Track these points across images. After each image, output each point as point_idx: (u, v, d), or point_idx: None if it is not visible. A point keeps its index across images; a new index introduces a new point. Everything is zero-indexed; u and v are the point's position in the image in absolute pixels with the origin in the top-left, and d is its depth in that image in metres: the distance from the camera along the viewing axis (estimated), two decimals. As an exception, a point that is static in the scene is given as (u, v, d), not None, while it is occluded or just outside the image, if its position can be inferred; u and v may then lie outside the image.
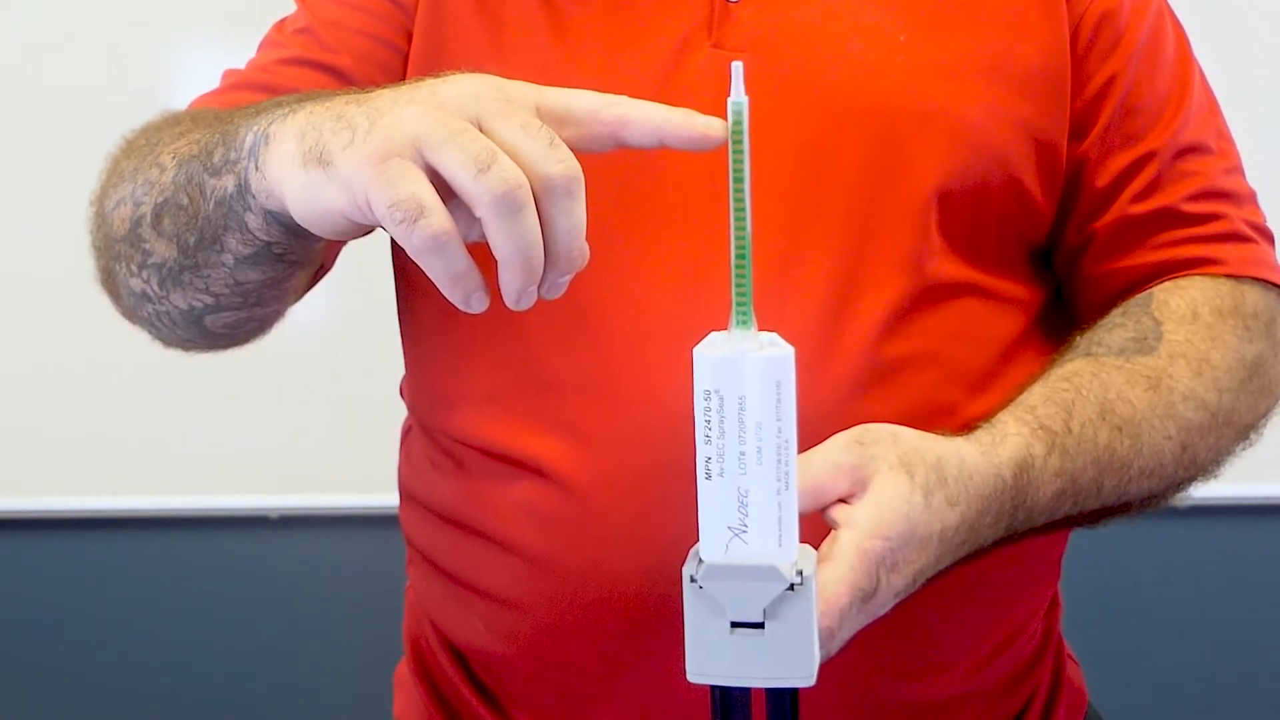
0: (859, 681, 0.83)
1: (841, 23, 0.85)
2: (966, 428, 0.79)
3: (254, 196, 0.69)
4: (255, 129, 0.69)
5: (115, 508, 1.89)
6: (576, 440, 0.83)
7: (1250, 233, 0.91)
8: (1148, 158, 0.89)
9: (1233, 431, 0.86)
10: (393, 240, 0.93)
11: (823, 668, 0.81)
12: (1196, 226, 0.89)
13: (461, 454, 0.89)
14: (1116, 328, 0.86)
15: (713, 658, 0.63)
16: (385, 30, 0.90)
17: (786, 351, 0.61)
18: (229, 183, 0.71)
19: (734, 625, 0.62)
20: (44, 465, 1.88)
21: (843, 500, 0.70)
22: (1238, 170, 0.93)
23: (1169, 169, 0.89)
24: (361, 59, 0.89)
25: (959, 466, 0.73)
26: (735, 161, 0.61)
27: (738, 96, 0.61)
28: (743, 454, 0.61)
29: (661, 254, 0.84)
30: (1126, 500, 0.82)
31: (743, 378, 0.60)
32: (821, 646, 0.65)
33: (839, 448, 0.71)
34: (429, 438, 0.93)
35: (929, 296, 0.85)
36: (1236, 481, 0.89)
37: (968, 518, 0.72)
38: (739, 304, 0.61)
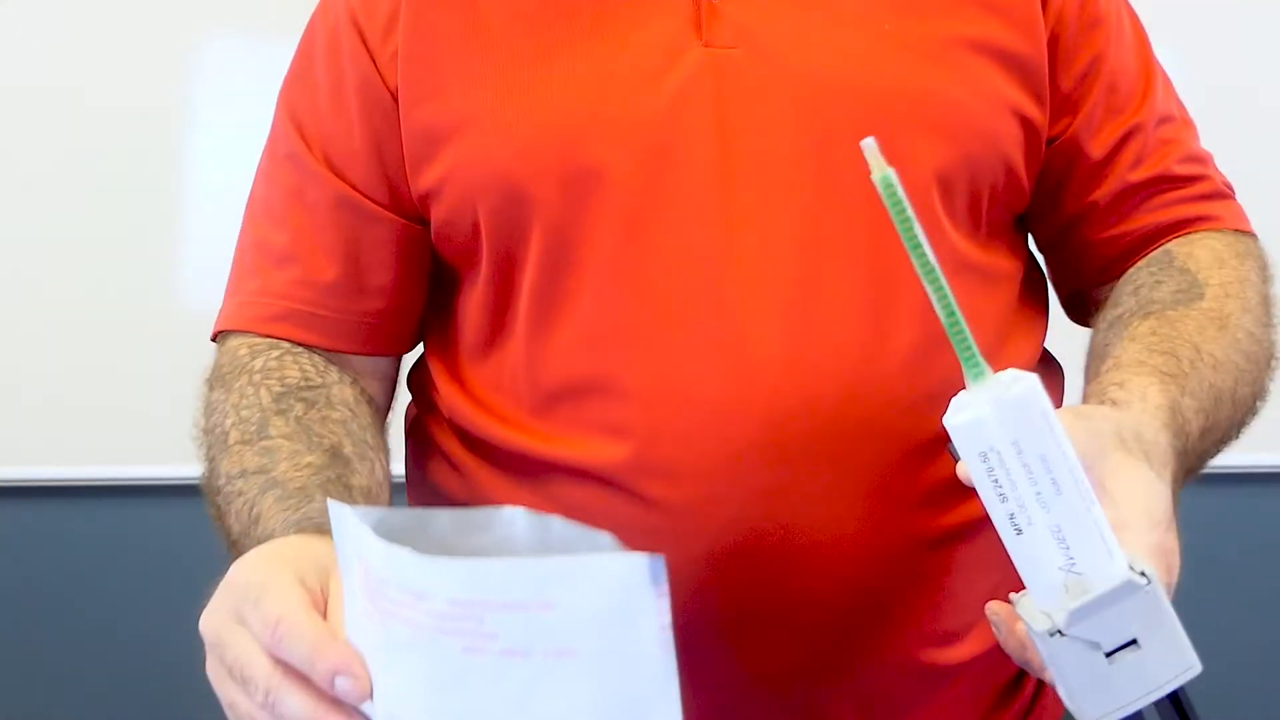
0: (885, 646, 0.86)
1: (827, 15, 0.87)
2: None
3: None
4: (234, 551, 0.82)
5: (140, 476, 1.95)
6: (620, 440, 0.84)
7: (1226, 190, 0.96)
8: (1136, 129, 0.93)
9: (1274, 365, 0.90)
10: (435, 245, 0.94)
11: (851, 633, 0.84)
12: (1188, 187, 0.94)
13: (491, 453, 0.90)
14: (1159, 284, 0.89)
15: (1107, 695, 0.62)
16: (377, 121, 0.91)
17: (1031, 380, 0.61)
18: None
19: (1109, 654, 0.62)
20: (73, 436, 1.93)
21: None
22: (1197, 137, 0.97)
23: (1152, 137, 0.93)
24: (370, 162, 0.91)
25: (1148, 430, 0.75)
26: (904, 230, 0.61)
27: (880, 171, 0.61)
28: (1039, 494, 0.61)
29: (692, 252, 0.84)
30: (1229, 434, 0.85)
31: (1007, 425, 0.61)
32: None
33: (1071, 418, 0.71)
34: (449, 430, 0.94)
35: (948, 277, 0.86)
36: (1253, 450, 0.92)
37: (1175, 470, 0.75)
38: (967, 359, 0.62)
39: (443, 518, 0.67)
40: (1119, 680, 0.62)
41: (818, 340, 0.82)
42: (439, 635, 0.60)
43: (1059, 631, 0.61)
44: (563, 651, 0.59)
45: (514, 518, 0.68)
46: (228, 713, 0.71)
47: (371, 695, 0.64)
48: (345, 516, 0.63)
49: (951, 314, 0.62)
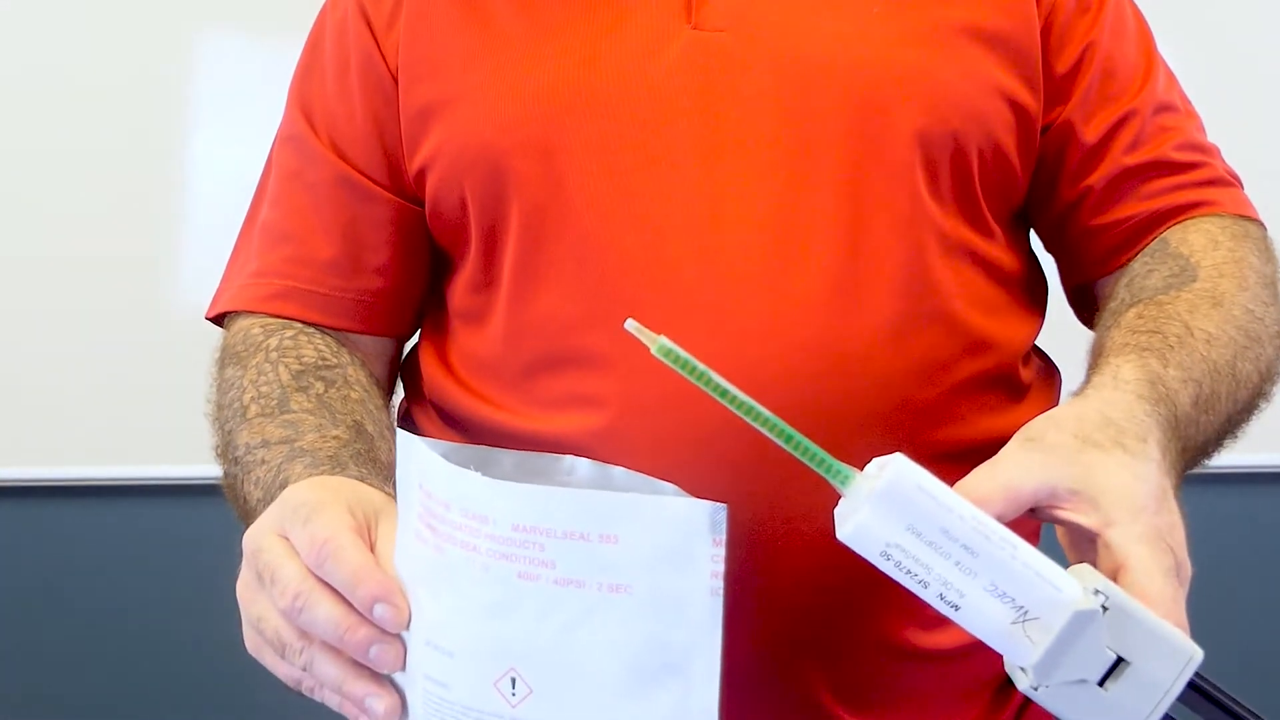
0: (864, 625, 0.85)
1: None
2: (971, 381, 0.82)
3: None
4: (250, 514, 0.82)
5: (140, 476, 1.96)
6: (596, 411, 0.85)
7: (1230, 179, 0.96)
8: (1131, 115, 0.93)
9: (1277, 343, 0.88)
10: (428, 223, 0.95)
11: (829, 611, 0.84)
12: (1186, 173, 0.94)
13: (469, 431, 0.91)
14: (1151, 273, 0.89)
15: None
16: (378, 102, 0.93)
17: (896, 463, 0.62)
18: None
19: (1101, 683, 0.61)
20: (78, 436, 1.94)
21: (1055, 507, 0.70)
22: (1203, 131, 0.97)
23: (1150, 124, 0.93)
24: (370, 143, 0.93)
25: (1116, 409, 0.73)
26: (706, 384, 0.63)
27: (660, 344, 0.62)
28: (958, 564, 0.60)
29: (675, 229, 0.85)
30: (1235, 413, 0.84)
31: (892, 516, 0.61)
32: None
33: (1016, 450, 0.71)
34: (432, 414, 0.95)
35: (928, 255, 0.87)
36: (1254, 450, 0.91)
37: (1159, 440, 0.73)
38: (826, 470, 0.63)
39: (506, 459, 0.69)
40: (1126, 702, 0.60)
41: (795, 313, 0.83)
42: (496, 560, 0.62)
43: (1039, 687, 0.60)
44: (617, 586, 0.61)
45: (574, 466, 0.71)
46: (248, 634, 0.72)
47: (409, 626, 0.66)
48: (413, 443, 0.65)
49: (789, 437, 0.62)
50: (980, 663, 0.90)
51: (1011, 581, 0.60)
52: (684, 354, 0.62)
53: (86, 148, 1.89)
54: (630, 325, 0.63)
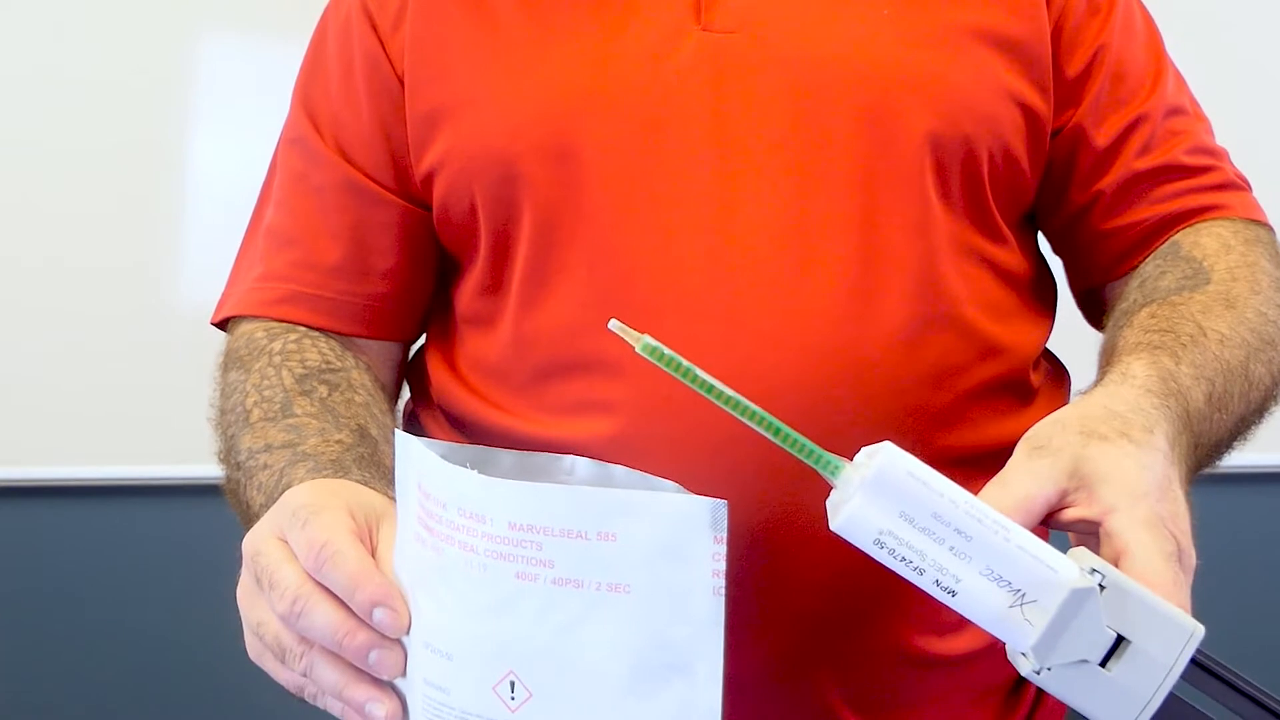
0: (878, 633, 0.85)
1: (825, 0, 0.88)
2: (986, 387, 0.82)
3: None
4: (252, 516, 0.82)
5: (140, 476, 1.96)
6: (608, 417, 0.84)
7: (1240, 183, 0.96)
8: (1142, 119, 0.93)
9: None
10: (436, 227, 0.95)
11: (843, 618, 0.84)
12: (1197, 177, 0.94)
13: (477, 436, 0.90)
14: (1163, 275, 0.89)
15: (1126, 701, 0.60)
16: (384, 105, 0.92)
17: (885, 450, 0.61)
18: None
19: (1103, 664, 0.60)
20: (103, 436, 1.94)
21: (1065, 507, 0.70)
22: (1212, 134, 0.98)
23: (1160, 128, 0.93)
24: (376, 146, 0.93)
25: (1122, 402, 0.74)
26: (691, 380, 0.63)
27: (644, 343, 0.62)
28: (952, 549, 0.60)
29: (684, 227, 0.85)
30: (1246, 415, 0.84)
31: (884, 502, 0.61)
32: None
33: (1024, 460, 0.71)
34: (440, 417, 0.95)
35: (939, 259, 0.87)
36: (1253, 450, 0.90)
37: (1167, 431, 0.73)
38: (815, 461, 0.63)
39: (505, 458, 0.69)
40: (1129, 681, 0.60)
41: (808, 318, 0.83)
42: (493, 560, 0.61)
43: (1041, 670, 0.60)
44: (616, 585, 0.60)
45: (574, 465, 0.70)
46: (249, 639, 0.72)
47: (409, 630, 0.65)
48: (411, 443, 0.65)
49: (777, 430, 0.62)
50: (992, 667, 0.90)
51: (1007, 564, 0.60)
52: (668, 351, 0.62)
53: (86, 148, 1.89)
54: (614, 325, 0.63)
